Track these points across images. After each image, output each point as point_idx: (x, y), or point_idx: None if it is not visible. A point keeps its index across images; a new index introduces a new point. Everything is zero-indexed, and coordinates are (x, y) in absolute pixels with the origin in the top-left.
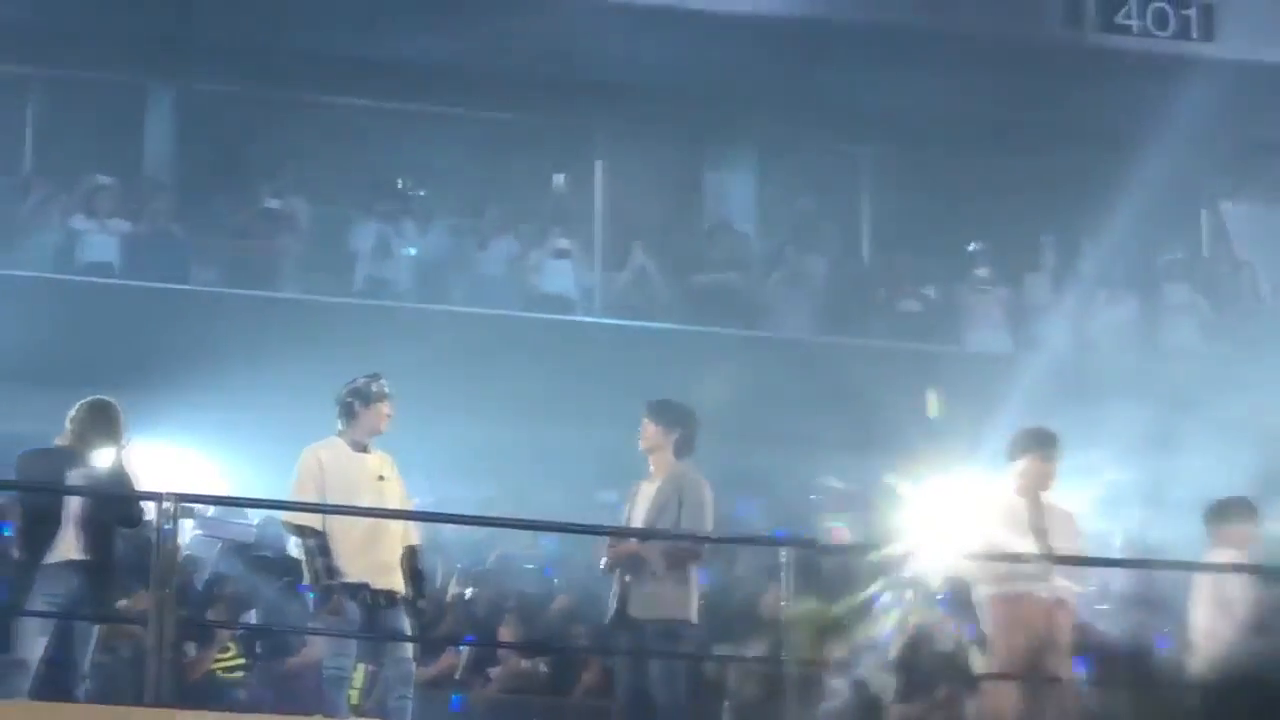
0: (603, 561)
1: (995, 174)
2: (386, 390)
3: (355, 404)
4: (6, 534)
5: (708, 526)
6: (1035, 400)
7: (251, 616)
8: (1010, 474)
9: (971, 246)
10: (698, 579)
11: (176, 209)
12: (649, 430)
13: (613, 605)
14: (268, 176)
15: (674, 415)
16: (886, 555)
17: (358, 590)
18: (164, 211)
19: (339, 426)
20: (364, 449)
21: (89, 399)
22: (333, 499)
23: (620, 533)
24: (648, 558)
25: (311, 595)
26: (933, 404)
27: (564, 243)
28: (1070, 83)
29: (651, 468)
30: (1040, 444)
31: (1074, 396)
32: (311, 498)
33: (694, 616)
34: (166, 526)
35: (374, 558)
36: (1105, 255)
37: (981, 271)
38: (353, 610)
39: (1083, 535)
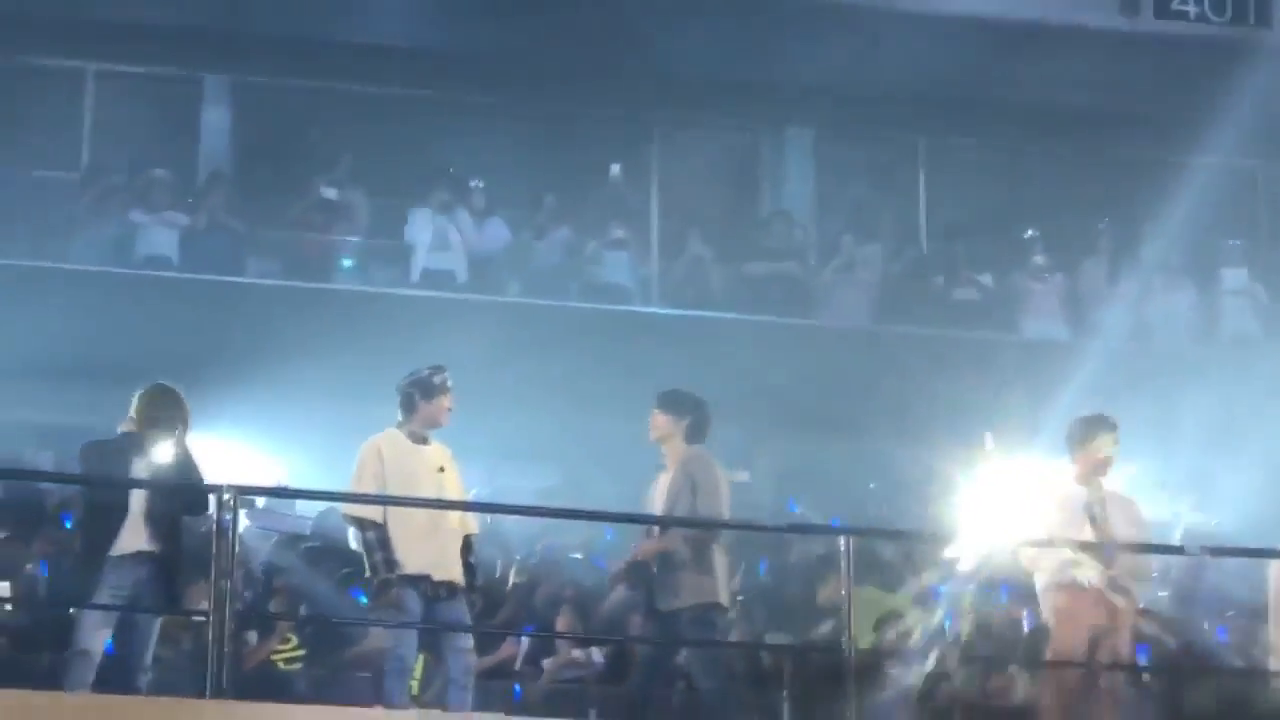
0: (630, 556)
1: (1052, 160)
2: (449, 384)
3: (416, 396)
4: (67, 526)
5: (723, 507)
6: (1093, 387)
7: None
8: (1069, 462)
9: (1028, 233)
10: (725, 562)
11: (233, 201)
12: (659, 420)
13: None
14: (324, 168)
15: (683, 404)
16: (945, 544)
17: (418, 582)
18: (221, 204)
19: (399, 417)
20: (423, 440)
21: (151, 385)
22: (392, 491)
23: (681, 523)
24: (671, 549)
25: (363, 600)
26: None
27: (620, 233)
28: (1127, 68)
29: (665, 458)
30: (1099, 432)
31: (1132, 383)
32: (371, 489)
33: (724, 600)
34: (226, 519)
35: (434, 549)
36: (1163, 241)
37: (1038, 259)
38: (413, 601)
39: (1144, 523)
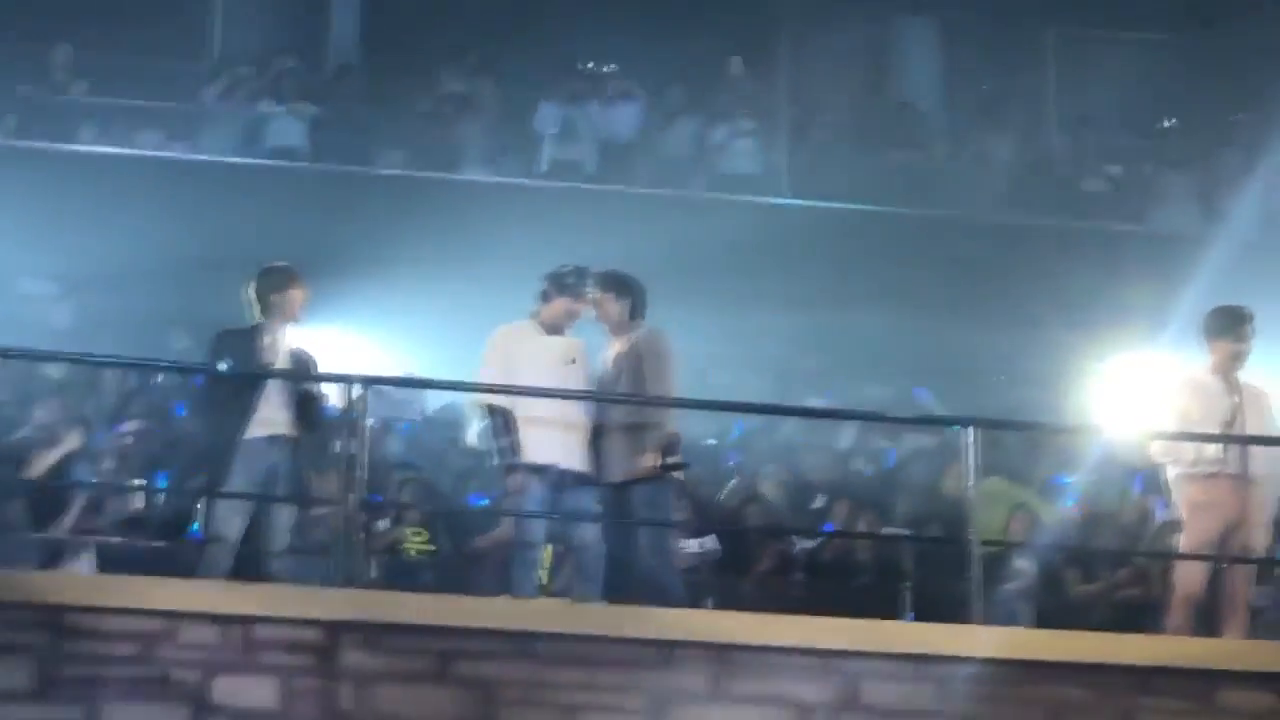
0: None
1: (1184, 51)
2: (585, 290)
3: (550, 290)
4: (180, 414)
5: (669, 380)
6: (1223, 280)
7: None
8: (1205, 353)
9: (1164, 123)
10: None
11: (363, 92)
12: (600, 299)
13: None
14: (453, 59)
15: (622, 282)
16: (1076, 435)
17: (544, 471)
18: (350, 95)
19: (534, 307)
20: (556, 331)
21: (261, 268)
22: (520, 379)
23: (813, 414)
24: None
25: (483, 503)
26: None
27: (748, 123)
28: None
29: (611, 337)
30: (1234, 323)
31: (1260, 276)
32: (498, 377)
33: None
34: (356, 409)
35: (562, 438)
36: None
37: (1170, 150)
38: (539, 490)
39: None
